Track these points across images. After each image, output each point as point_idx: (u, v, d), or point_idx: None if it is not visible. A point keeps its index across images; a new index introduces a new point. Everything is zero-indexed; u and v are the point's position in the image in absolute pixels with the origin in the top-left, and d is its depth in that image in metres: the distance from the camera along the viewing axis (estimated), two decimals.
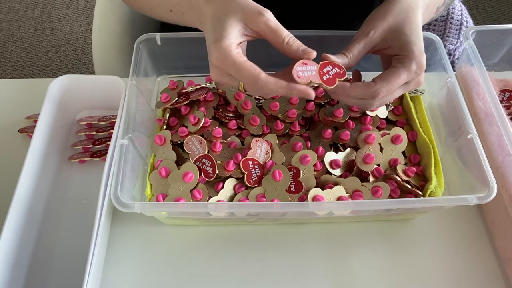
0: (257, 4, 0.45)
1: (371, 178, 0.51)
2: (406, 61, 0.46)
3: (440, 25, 0.79)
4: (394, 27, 0.47)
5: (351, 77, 0.54)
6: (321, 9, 0.70)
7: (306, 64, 0.45)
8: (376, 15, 0.48)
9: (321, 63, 0.46)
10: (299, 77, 0.45)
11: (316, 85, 0.46)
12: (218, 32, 0.44)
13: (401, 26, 0.47)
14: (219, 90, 0.58)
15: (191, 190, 0.49)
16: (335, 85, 0.46)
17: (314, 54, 0.45)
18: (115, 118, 0.56)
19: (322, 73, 0.46)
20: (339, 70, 0.46)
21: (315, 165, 0.51)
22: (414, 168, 0.51)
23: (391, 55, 0.48)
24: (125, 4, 0.62)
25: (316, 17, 0.70)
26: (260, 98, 0.58)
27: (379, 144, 0.53)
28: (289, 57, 0.46)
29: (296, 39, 0.45)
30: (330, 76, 0.46)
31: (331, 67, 0.46)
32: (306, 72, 0.45)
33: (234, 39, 0.44)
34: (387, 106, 0.58)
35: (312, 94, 0.44)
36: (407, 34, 0.47)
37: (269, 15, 0.44)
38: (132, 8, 0.64)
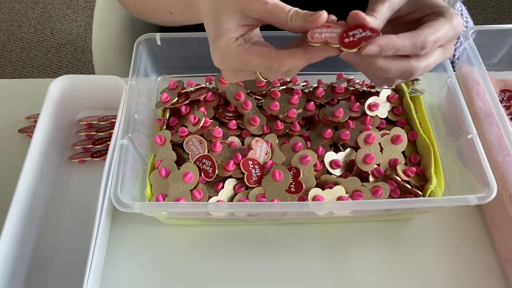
0: None
1: (371, 178, 0.51)
2: (447, 14, 0.40)
3: None
4: None
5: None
6: (325, 4, 0.69)
7: (328, 27, 0.38)
8: None
9: (348, 26, 0.38)
10: (312, 38, 0.38)
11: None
12: (215, 31, 0.41)
13: None
14: (219, 90, 0.58)
15: (191, 190, 0.49)
16: (356, 49, 0.37)
17: (324, 15, 0.38)
18: (115, 118, 0.56)
19: (345, 35, 0.37)
20: (371, 33, 0.37)
21: (315, 165, 0.51)
22: (414, 168, 0.51)
23: (415, 20, 0.42)
24: (127, 10, 0.62)
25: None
26: (260, 98, 0.58)
27: (379, 144, 0.53)
28: (300, 33, 0.41)
29: (300, 11, 0.39)
30: (355, 39, 0.37)
31: (361, 31, 0.37)
32: (324, 33, 0.38)
33: (233, 34, 0.40)
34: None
35: (335, 50, 0.38)
36: None
37: None
38: (133, 14, 0.64)
